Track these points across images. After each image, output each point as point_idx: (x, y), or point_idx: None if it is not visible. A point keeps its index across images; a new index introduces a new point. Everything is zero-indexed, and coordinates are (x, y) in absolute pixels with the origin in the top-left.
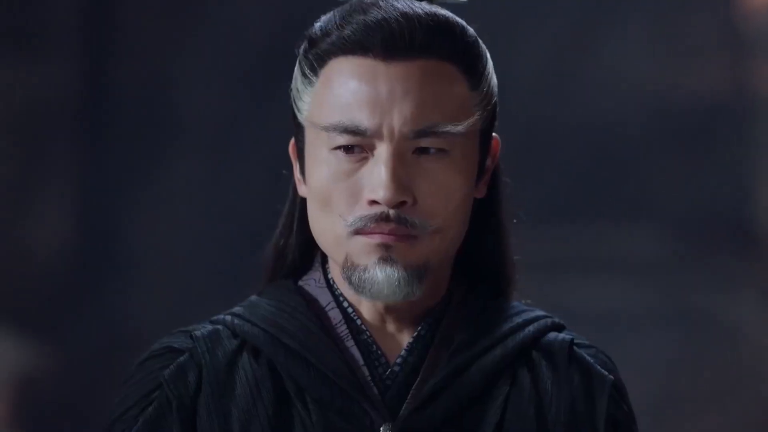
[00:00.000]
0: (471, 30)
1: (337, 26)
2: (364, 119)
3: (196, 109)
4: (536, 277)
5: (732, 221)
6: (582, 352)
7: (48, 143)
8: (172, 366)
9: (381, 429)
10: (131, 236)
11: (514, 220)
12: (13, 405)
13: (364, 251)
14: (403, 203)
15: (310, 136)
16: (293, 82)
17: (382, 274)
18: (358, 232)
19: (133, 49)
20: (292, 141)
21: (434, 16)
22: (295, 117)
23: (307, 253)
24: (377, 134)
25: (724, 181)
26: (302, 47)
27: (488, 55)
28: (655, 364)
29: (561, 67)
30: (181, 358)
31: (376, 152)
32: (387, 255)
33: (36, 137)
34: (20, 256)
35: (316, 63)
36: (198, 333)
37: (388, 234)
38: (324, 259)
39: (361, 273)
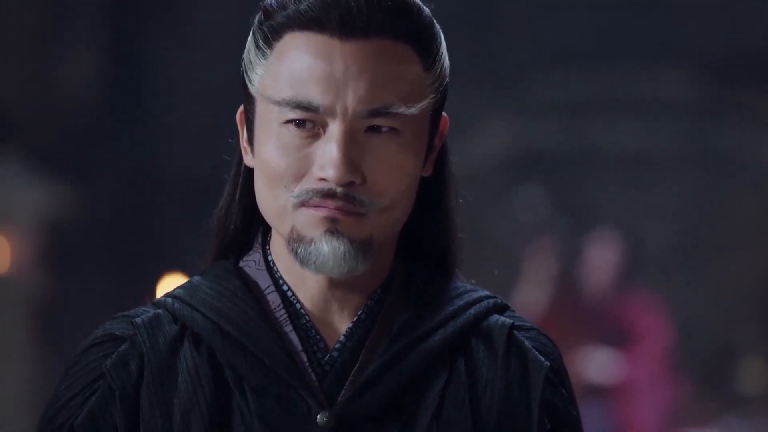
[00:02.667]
0: (427, 10)
1: (294, 0)
2: (317, 96)
3: None
4: (566, 118)
5: (761, 61)
6: (521, 335)
7: None
8: (113, 355)
9: (318, 416)
10: (161, 75)
11: (460, 200)
12: (39, 246)
13: (310, 223)
14: (351, 182)
15: (261, 109)
16: (245, 53)
17: (327, 247)
18: (303, 204)
19: None
20: (240, 109)
21: None
22: (245, 87)
23: (249, 222)
24: (330, 112)
25: (754, 19)
26: (257, 18)
27: (442, 36)
28: (682, 205)
29: None
30: (123, 347)
31: (327, 130)
32: (333, 228)
33: None
34: (48, 97)
35: (271, 36)
36: (138, 320)
37: (335, 209)
38: (264, 239)
39: (307, 245)
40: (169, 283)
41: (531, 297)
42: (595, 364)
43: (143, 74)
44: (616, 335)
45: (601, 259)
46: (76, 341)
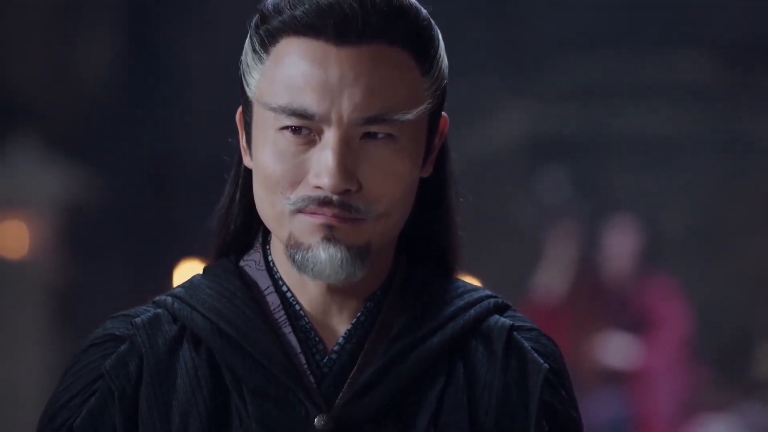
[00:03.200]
0: (424, 12)
1: (289, 5)
2: (313, 104)
3: None
4: (583, 103)
5: None
6: (521, 337)
7: None
8: (113, 355)
9: (315, 420)
10: (179, 60)
11: (461, 199)
12: (57, 231)
13: (307, 230)
14: (347, 190)
15: (258, 114)
16: (243, 55)
17: (325, 254)
18: (299, 211)
19: None
20: (240, 110)
21: (388, 1)
22: (243, 91)
23: (249, 222)
24: (325, 120)
25: None
26: (254, 21)
27: (440, 38)
28: (700, 190)
29: None
30: (122, 347)
31: (323, 137)
32: (330, 235)
33: None
34: (66, 83)
35: (267, 40)
36: (138, 320)
37: (331, 217)
38: (264, 239)
39: (305, 252)
40: (187, 268)
41: (551, 281)
42: (613, 350)
43: (161, 60)
44: (635, 321)
45: (620, 245)
46: (93, 326)
